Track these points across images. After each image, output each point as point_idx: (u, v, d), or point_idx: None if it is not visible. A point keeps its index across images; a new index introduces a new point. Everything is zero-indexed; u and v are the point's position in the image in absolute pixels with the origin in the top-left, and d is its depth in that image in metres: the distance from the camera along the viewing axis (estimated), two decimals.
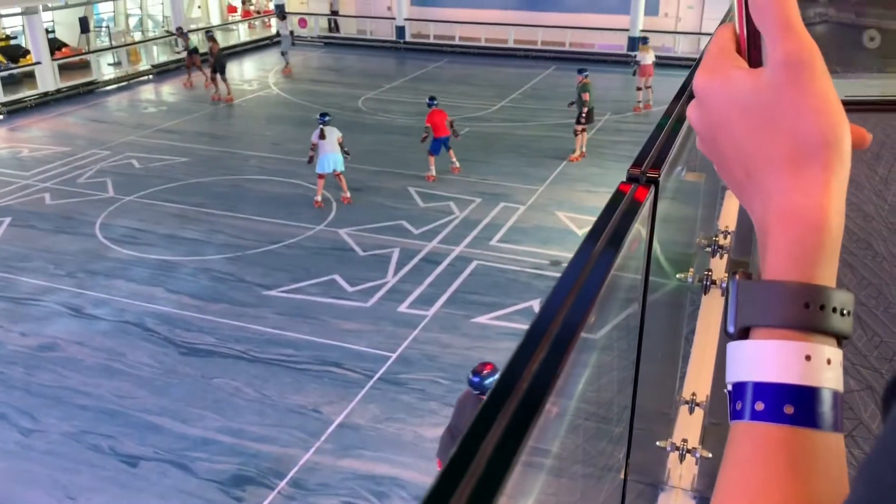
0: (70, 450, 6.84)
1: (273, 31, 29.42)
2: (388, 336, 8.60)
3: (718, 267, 1.99)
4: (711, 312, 2.16)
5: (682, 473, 1.99)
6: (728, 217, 3.13)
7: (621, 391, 1.69)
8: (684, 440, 1.82)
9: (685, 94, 1.65)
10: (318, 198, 12.47)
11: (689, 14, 26.65)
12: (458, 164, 13.78)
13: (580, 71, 15.11)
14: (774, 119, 0.53)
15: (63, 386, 7.77)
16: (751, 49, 0.56)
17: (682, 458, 1.83)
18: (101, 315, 9.17)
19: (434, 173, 13.55)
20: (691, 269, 1.73)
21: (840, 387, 0.52)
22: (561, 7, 27.30)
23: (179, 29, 23.03)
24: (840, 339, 0.53)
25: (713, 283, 1.67)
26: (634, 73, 18.48)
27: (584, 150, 15.03)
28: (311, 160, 12.59)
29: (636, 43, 25.09)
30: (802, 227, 0.52)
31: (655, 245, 1.30)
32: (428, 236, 11.27)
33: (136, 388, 7.72)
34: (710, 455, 1.85)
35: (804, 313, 0.52)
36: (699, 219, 1.99)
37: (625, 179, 1.08)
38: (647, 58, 18.12)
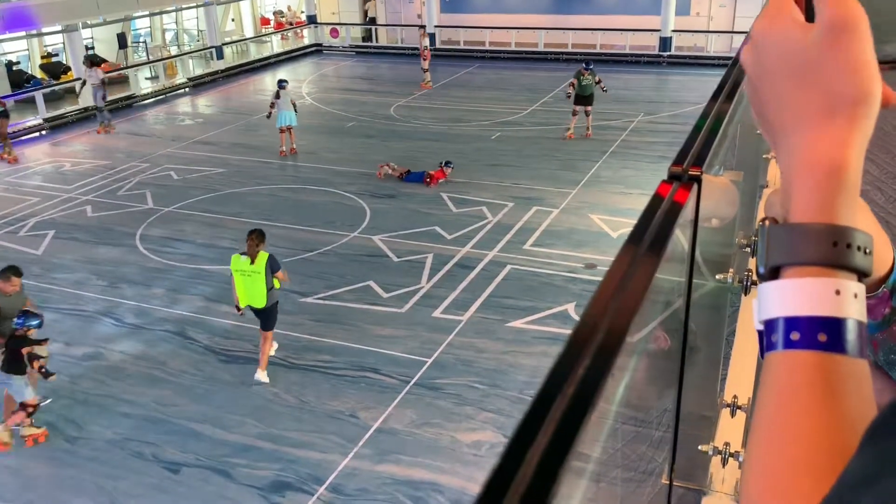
0: (114, 457, 6.98)
1: (305, 41, 29.78)
2: (424, 341, 8.62)
3: None
4: (752, 314, 2.13)
5: (724, 477, 1.96)
6: None
7: (661, 394, 1.68)
8: (727, 444, 1.79)
9: (722, 91, 1.63)
10: (283, 148, 15.77)
11: (721, 13, 26.32)
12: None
13: (586, 64, 16.24)
14: (813, 75, 0.57)
15: (106, 394, 7.93)
16: (807, 5, 0.60)
17: (724, 461, 1.80)
18: (142, 324, 9.35)
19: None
20: (731, 270, 1.71)
21: (864, 318, 0.57)
22: (591, 9, 27.17)
23: None
24: (861, 275, 0.58)
25: (754, 283, 1.64)
26: (423, 58, 22.01)
27: (582, 130, 16.20)
28: (269, 115, 15.64)
29: (668, 43, 24.87)
30: (824, 174, 0.57)
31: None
32: (461, 241, 11.27)
33: (177, 396, 7.85)
34: None
35: (832, 251, 0.56)
36: (738, 218, 1.96)
37: (665, 178, 1.07)
38: (426, 42, 22.31)
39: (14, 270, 7.62)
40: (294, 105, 15.47)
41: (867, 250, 0.58)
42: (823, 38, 0.57)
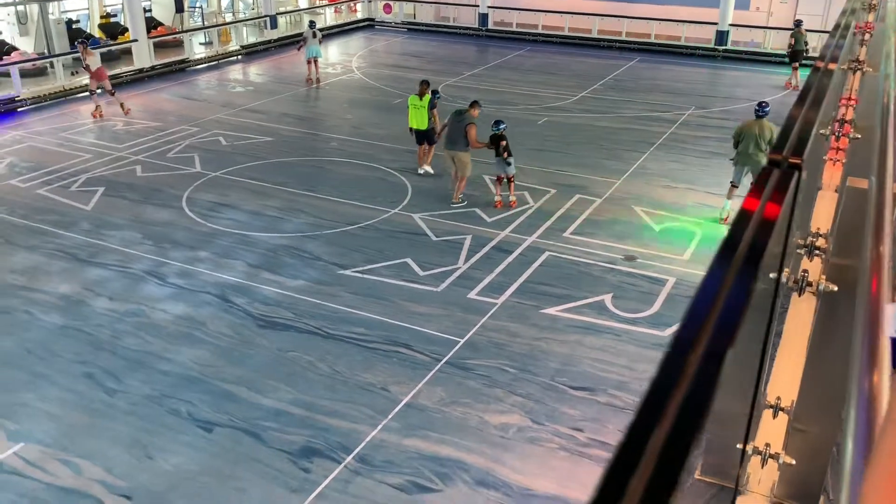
0: (151, 412, 7.17)
1: (358, 15, 29.76)
2: (457, 321, 8.66)
3: (812, 268, 1.93)
4: (802, 315, 2.09)
5: (761, 478, 1.95)
6: (820, 218, 3.02)
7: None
8: (767, 444, 1.78)
9: (812, 89, 1.59)
10: (311, 77, 20.07)
11: (782, 8, 25.61)
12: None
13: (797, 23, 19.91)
14: None
15: (146, 351, 8.14)
16: None
17: (763, 462, 1.79)
18: (185, 285, 9.55)
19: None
20: (787, 270, 1.69)
21: None
22: None
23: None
24: None
25: (809, 284, 1.62)
26: (95, 77, 16.67)
27: (794, 83, 19.53)
28: (299, 48, 20.52)
29: (724, 37, 24.29)
30: None
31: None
32: (501, 225, 11.25)
33: (214, 357, 8.03)
34: (794, 462, 1.81)
35: None
36: (796, 217, 1.93)
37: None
38: (91, 59, 16.47)
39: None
40: (320, 41, 19.82)
41: None
42: None
